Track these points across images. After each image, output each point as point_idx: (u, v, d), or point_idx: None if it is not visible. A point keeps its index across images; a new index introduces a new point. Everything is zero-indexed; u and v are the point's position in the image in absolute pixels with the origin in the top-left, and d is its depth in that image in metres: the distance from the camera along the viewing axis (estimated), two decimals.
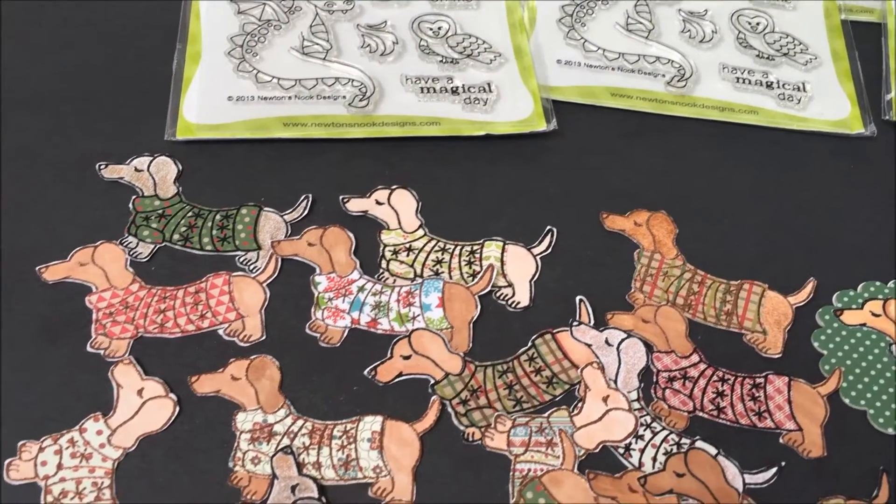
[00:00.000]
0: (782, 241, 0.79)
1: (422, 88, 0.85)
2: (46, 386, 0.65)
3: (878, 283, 0.75)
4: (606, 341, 0.70)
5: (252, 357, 0.67)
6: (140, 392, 0.65)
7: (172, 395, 0.65)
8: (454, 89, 0.85)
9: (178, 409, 0.64)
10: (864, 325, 0.72)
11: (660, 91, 0.89)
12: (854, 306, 0.74)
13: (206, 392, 0.65)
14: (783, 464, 0.64)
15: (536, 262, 0.75)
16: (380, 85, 0.85)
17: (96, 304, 0.69)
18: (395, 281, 0.73)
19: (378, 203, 0.78)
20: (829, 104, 0.89)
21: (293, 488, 0.61)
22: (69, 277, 0.70)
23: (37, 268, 0.70)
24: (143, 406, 0.64)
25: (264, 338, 0.69)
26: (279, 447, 0.63)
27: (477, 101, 0.85)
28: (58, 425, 0.63)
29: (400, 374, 0.68)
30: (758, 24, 0.95)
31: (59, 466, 0.61)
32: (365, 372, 0.67)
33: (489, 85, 0.86)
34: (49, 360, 0.66)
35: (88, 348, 0.67)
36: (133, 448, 0.62)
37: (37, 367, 0.65)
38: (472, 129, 0.83)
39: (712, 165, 0.84)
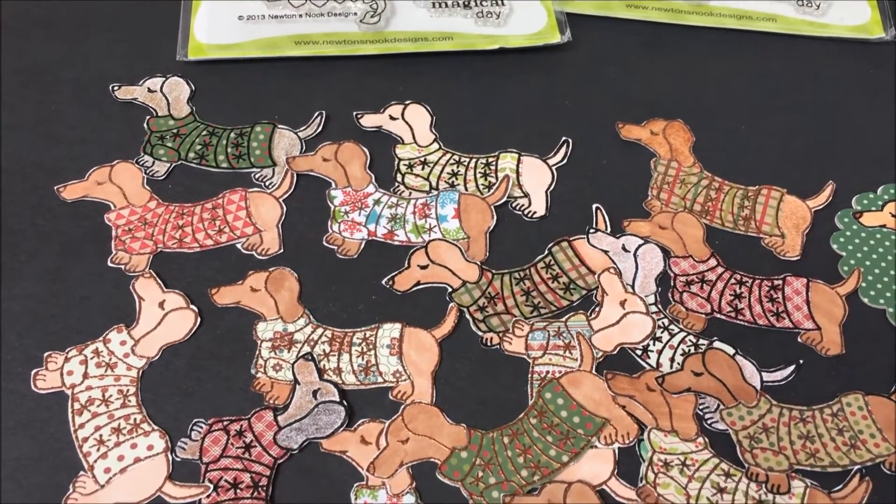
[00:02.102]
0: (801, 147, 0.78)
1: (433, 3, 0.84)
2: (69, 300, 0.66)
3: None
4: (623, 247, 0.70)
5: (271, 269, 0.68)
6: (161, 304, 0.65)
7: (193, 307, 0.66)
8: (466, 3, 0.84)
9: (199, 319, 0.65)
10: (883, 226, 0.72)
11: (676, 1, 0.87)
12: (874, 208, 0.73)
13: (226, 303, 0.66)
14: (801, 362, 0.64)
15: (552, 172, 0.75)
16: (391, 1, 0.84)
17: (115, 221, 0.70)
18: (410, 194, 0.73)
19: (392, 118, 0.78)
20: (849, 9, 0.87)
21: (315, 393, 0.62)
22: (87, 196, 0.71)
23: (55, 187, 0.71)
24: (165, 317, 0.65)
25: (282, 251, 0.69)
26: (300, 354, 0.63)
27: (489, 15, 0.84)
28: (82, 337, 0.64)
29: (417, 284, 0.68)
30: None
31: (85, 375, 0.62)
32: (383, 281, 0.68)
33: None
34: (71, 275, 0.67)
35: (109, 263, 0.67)
36: (157, 357, 0.63)
37: (60, 282, 0.66)
38: (485, 44, 0.82)
39: (730, 74, 0.83)
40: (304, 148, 0.75)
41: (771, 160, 0.76)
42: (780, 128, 0.79)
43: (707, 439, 0.61)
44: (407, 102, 0.78)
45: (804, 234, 0.71)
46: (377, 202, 0.72)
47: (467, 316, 0.66)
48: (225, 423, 0.60)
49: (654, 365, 0.64)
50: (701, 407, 0.62)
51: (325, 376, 0.63)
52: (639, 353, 0.65)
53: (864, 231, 0.71)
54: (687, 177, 0.74)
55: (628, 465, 0.60)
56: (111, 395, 0.61)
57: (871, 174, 0.75)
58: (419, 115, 0.78)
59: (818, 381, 0.64)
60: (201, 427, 0.60)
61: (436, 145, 0.76)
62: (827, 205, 0.73)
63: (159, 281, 0.66)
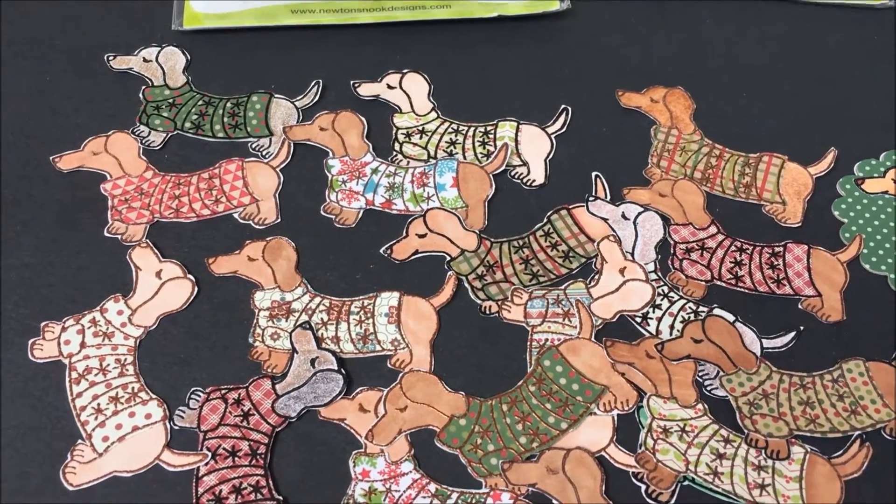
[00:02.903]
0: (803, 114, 0.77)
1: None
2: (66, 269, 0.65)
3: None
4: (623, 215, 0.69)
5: (268, 238, 0.67)
6: (158, 274, 0.65)
7: (191, 276, 0.65)
8: None
9: (196, 289, 0.65)
10: (885, 192, 0.71)
11: None
12: (876, 175, 0.72)
13: (223, 273, 0.66)
14: (802, 328, 0.64)
15: (551, 140, 0.74)
16: None
17: (111, 191, 0.69)
18: (408, 163, 0.73)
19: (389, 87, 0.77)
20: None
21: (313, 361, 0.61)
22: (83, 166, 0.71)
23: (51, 157, 0.71)
24: (163, 287, 0.65)
25: (279, 221, 0.69)
26: (298, 323, 0.63)
27: None
28: (79, 307, 0.64)
29: (416, 252, 0.68)
30: None
31: (83, 345, 0.61)
32: (381, 250, 0.67)
33: None
34: (68, 246, 0.67)
35: (105, 233, 0.67)
36: (154, 326, 0.63)
37: (56, 252, 0.66)
38: (483, 11, 0.82)
39: (731, 41, 0.82)
40: (301, 117, 0.75)
41: (772, 127, 0.76)
42: (781, 94, 0.78)
43: (706, 406, 0.60)
44: (405, 71, 0.78)
45: (805, 200, 0.71)
46: (375, 171, 0.71)
47: (466, 284, 0.66)
48: (223, 391, 0.60)
49: (654, 332, 0.64)
50: (700, 374, 0.62)
51: (324, 345, 0.63)
52: (638, 320, 0.65)
53: (865, 198, 0.71)
54: (687, 144, 0.74)
55: (627, 431, 0.60)
56: (109, 365, 0.61)
57: (874, 141, 0.75)
58: (417, 84, 0.77)
59: (819, 347, 0.64)
60: (199, 395, 0.60)
61: (434, 114, 0.76)
62: (829, 171, 0.73)
63: (156, 251, 0.66)
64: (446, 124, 0.75)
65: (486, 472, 0.57)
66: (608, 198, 0.70)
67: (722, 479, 0.57)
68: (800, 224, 0.70)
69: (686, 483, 0.57)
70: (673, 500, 0.57)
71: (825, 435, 0.59)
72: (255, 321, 0.63)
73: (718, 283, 0.66)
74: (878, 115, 0.77)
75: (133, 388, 0.60)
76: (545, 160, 0.73)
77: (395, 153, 0.73)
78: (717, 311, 0.64)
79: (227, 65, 0.78)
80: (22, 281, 0.65)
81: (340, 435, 0.59)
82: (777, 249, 0.68)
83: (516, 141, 0.74)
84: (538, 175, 0.72)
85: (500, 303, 0.65)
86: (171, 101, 0.75)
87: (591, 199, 0.70)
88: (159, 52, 0.78)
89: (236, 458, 0.57)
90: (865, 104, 0.77)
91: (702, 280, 0.66)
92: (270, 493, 0.56)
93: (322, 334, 0.63)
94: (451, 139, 0.74)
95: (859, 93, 0.78)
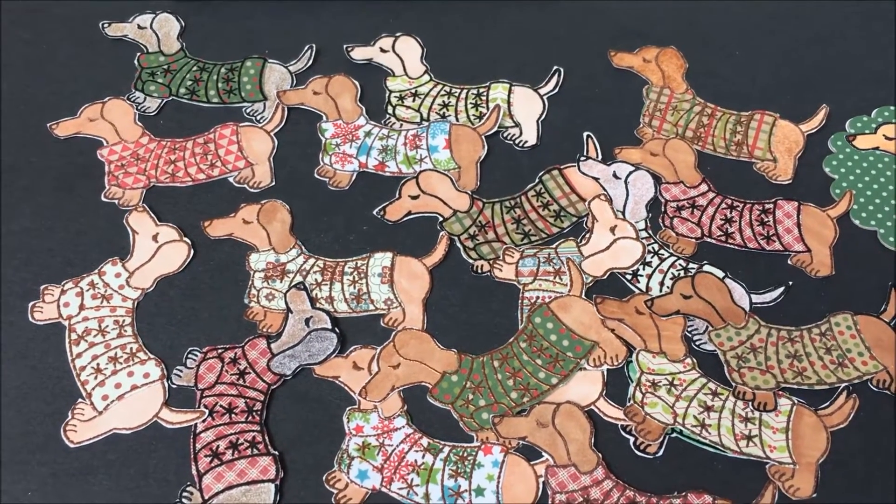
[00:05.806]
0: (795, 72, 0.77)
1: None
2: (64, 234, 0.66)
3: (892, 108, 0.74)
4: (614, 174, 0.70)
5: (263, 202, 0.68)
6: (155, 237, 0.66)
7: (187, 239, 0.66)
8: None
9: (192, 251, 0.66)
10: (876, 148, 0.71)
11: None
12: (867, 131, 0.72)
13: (218, 235, 0.67)
14: (790, 283, 0.65)
15: (543, 101, 0.75)
16: None
17: (108, 157, 0.70)
18: (401, 125, 0.73)
19: (382, 50, 0.77)
20: None
21: (307, 321, 0.62)
22: (80, 133, 0.71)
23: (48, 124, 0.71)
24: (159, 250, 0.66)
25: (273, 184, 0.70)
26: (292, 284, 0.64)
27: None
28: (77, 270, 0.65)
29: (409, 213, 0.68)
30: None
31: (82, 307, 0.63)
32: (374, 212, 0.68)
33: None
34: (66, 211, 0.68)
35: (103, 198, 0.68)
36: (151, 289, 0.64)
37: (55, 218, 0.67)
38: None
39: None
40: (294, 82, 0.75)
41: (764, 85, 0.76)
42: (774, 52, 0.78)
43: (695, 360, 0.61)
44: (397, 34, 0.78)
45: (796, 157, 0.71)
46: (368, 134, 0.72)
47: (458, 244, 0.67)
48: (219, 350, 0.61)
49: (644, 289, 0.65)
50: (689, 329, 0.62)
51: (318, 305, 0.64)
52: (628, 277, 0.65)
53: (857, 154, 0.71)
54: (679, 103, 0.74)
55: (617, 386, 0.61)
56: (107, 326, 0.62)
57: (866, 97, 0.75)
58: (410, 47, 0.78)
59: (807, 302, 0.64)
60: (196, 355, 0.61)
61: (427, 77, 0.76)
62: (820, 128, 0.73)
63: (152, 214, 0.67)
64: (439, 87, 0.75)
65: (478, 427, 0.59)
66: (600, 157, 0.71)
67: (709, 430, 0.58)
68: (790, 181, 0.70)
69: (674, 435, 0.58)
70: (661, 452, 0.58)
71: (812, 387, 0.60)
72: (250, 282, 0.64)
73: (708, 240, 0.67)
74: (869, 71, 0.77)
75: (131, 348, 0.61)
76: (537, 121, 0.73)
77: (388, 116, 0.74)
78: (706, 268, 0.65)
79: (221, 30, 0.78)
80: (21, 245, 0.66)
81: (335, 392, 0.60)
82: (767, 206, 0.68)
83: (509, 102, 0.74)
84: (530, 136, 0.73)
85: (491, 262, 0.66)
86: (165, 67, 0.75)
87: (582, 158, 0.70)
88: (154, 18, 0.78)
89: (233, 415, 0.59)
90: (857, 61, 0.77)
91: (692, 237, 0.67)
92: (266, 448, 0.58)
93: (316, 294, 0.64)
94: (443, 101, 0.74)
95: (851, 50, 0.78)
